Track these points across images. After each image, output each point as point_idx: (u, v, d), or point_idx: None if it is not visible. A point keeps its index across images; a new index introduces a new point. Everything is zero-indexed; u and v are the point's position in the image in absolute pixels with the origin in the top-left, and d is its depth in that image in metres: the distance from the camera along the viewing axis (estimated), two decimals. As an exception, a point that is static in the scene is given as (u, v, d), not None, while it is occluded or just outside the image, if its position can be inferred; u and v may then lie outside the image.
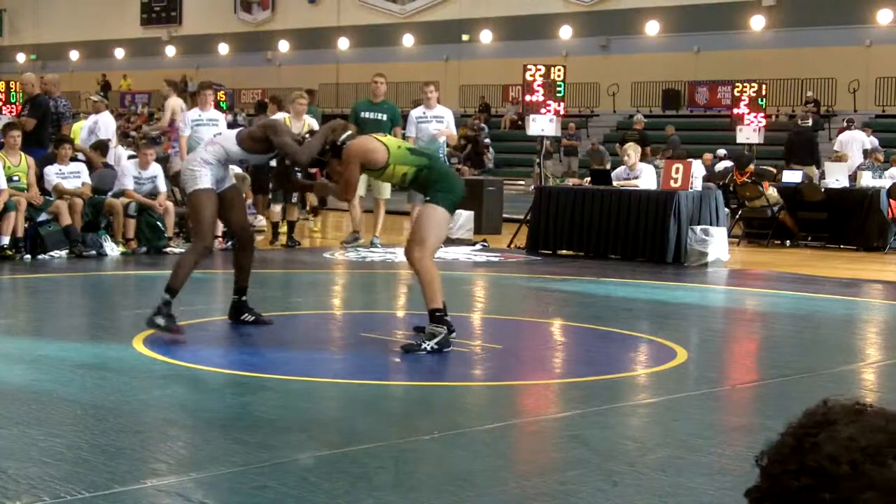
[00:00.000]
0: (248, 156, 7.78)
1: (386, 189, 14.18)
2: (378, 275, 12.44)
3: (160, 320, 7.27)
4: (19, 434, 4.87)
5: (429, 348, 6.89)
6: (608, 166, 19.33)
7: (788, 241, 16.20)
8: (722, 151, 22.40)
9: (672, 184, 13.26)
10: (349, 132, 7.42)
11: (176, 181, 13.88)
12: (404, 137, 13.54)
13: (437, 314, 7.00)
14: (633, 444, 5.12)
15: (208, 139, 8.26)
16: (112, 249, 12.56)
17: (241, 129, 8.15)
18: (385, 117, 13.97)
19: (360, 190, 14.15)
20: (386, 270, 12.56)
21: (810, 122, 22.55)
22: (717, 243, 12.91)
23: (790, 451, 1.37)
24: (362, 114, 14.04)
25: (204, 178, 7.49)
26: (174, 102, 15.83)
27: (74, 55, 47.49)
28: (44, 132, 14.18)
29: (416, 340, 7.03)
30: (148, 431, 5.10)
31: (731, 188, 17.70)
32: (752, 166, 17.44)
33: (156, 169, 13.17)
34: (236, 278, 7.96)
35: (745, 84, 19.59)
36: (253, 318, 7.89)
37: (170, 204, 13.18)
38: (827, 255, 15.11)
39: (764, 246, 15.89)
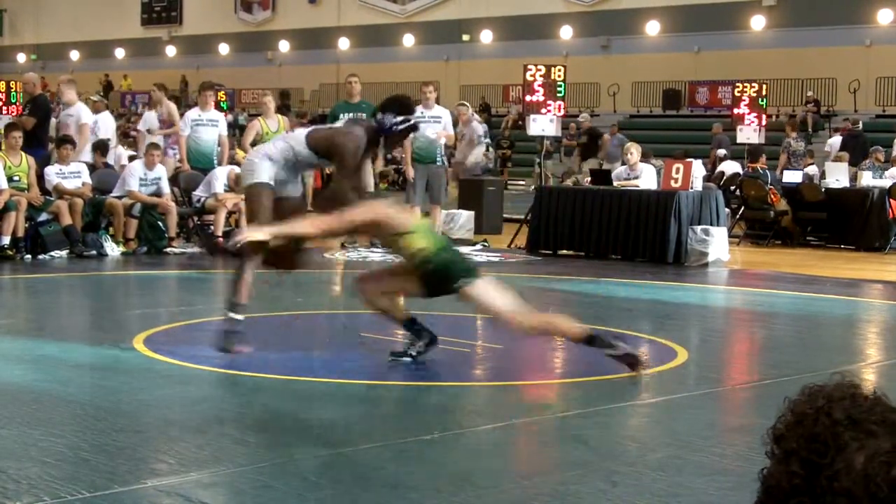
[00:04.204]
0: (318, 160, 6.97)
1: (370, 186, 14.13)
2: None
3: (226, 343, 6.74)
4: (19, 434, 4.87)
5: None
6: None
7: (789, 241, 16.19)
8: (722, 151, 22.37)
9: (672, 184, 13.25)
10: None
11: (176, 182, 13.91)
12: None
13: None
14: (633, 444, 5.12)
15: (279, 136, 7.41)
16: (112, 249, 12.56)
17: (313, 128, 7.30)
18: (365, 117, 13.94)
19: None
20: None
21: (860, 125, 23.19)
22: (717, 243, 12.91)
23: (802, 483, 1.36)
24: (341, 115, 14.00)
25: (261, 172, 6.76)
26: (172, 105, 15.81)
27: (75, 55, 47.49)
28: (44, 132, 14.20)
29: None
30: (148, 431, 5.10)
31: (733, 189, 17.69)
32: (763, 158, 17.39)
33: (160, 171, 13.16)
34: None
35: (745, 84, 19.54)
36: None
37: (172, 205, 13.17)
38: (827, 255, 15.11)
39: (763, 246, 15.88)
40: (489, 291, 6.37)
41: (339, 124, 7.74)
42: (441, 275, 6.29)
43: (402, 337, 7.68)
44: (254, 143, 14.18)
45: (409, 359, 6.68)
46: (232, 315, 6.83)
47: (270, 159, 6.81)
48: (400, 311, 6.73)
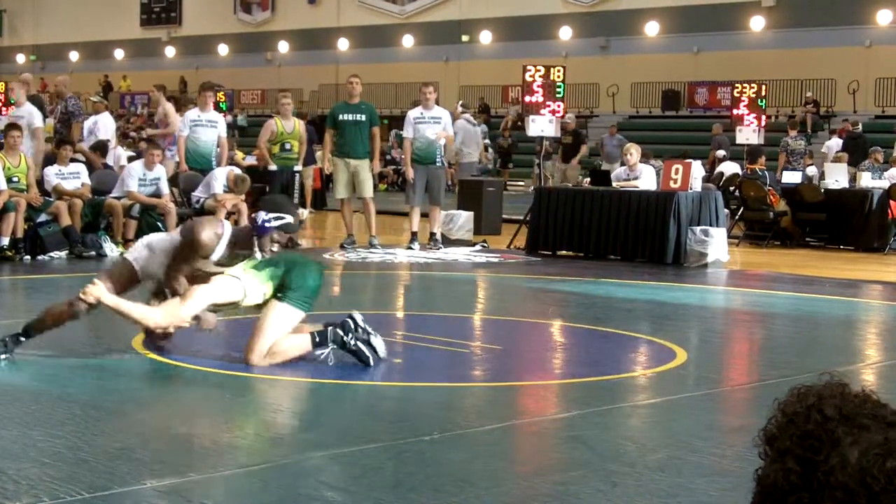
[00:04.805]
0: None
1: (368, 186, 14.15)
2: (377, 275, 12.44)
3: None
4: (19, 434, 4.87)
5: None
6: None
7: (788, 241, 16.20)
8: (721, 152, 22.37)
9: (672, 185, 13.26)
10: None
11: (175, 182, 13.91)
12: (397, 137, 13.48)
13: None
14: (632, 445, 5.12)
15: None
16: (112, 250, 12.55)
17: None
18: (364, 118, 13.97)
19: (345, 192, 14.14)
20: (385, 271, 12.56)
21: (860, 127, 23.38)
22: (716, 244, 12.91)
23: (799, 480, 1.35)
24: (340, 116, 14.02)
25: (137, 257, 6.89)
26: (169, 106, 15.82)
27: (74, 56, 47.50)
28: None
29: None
30: (148, 431, 5.10)
31: (732, 190, 17.68)
32: (762, 159, 17.37)
33: (160, 171, 13.15)
34: None
35: (744, 85, 19.55)
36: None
37: (172, 205, 13.16)
38: (826, 256, 15.11)
39: (763, 247, 15.89)
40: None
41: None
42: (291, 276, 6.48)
43: (401, 337, 7.70)
44: (269, 143, 14.23)
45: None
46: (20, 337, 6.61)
47: (149, 248, 6.82)
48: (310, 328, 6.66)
